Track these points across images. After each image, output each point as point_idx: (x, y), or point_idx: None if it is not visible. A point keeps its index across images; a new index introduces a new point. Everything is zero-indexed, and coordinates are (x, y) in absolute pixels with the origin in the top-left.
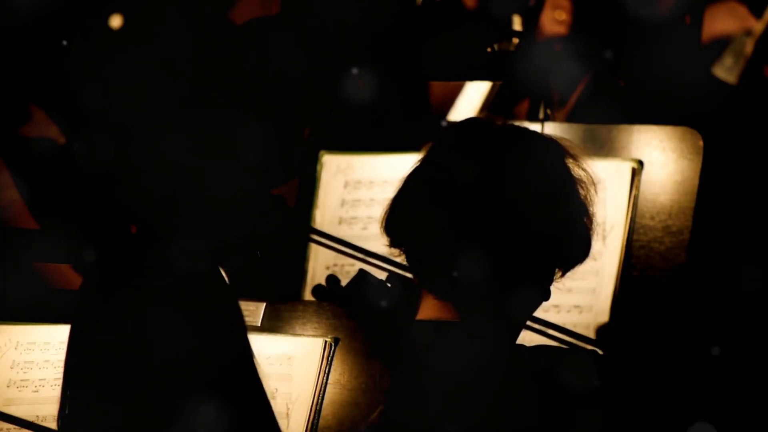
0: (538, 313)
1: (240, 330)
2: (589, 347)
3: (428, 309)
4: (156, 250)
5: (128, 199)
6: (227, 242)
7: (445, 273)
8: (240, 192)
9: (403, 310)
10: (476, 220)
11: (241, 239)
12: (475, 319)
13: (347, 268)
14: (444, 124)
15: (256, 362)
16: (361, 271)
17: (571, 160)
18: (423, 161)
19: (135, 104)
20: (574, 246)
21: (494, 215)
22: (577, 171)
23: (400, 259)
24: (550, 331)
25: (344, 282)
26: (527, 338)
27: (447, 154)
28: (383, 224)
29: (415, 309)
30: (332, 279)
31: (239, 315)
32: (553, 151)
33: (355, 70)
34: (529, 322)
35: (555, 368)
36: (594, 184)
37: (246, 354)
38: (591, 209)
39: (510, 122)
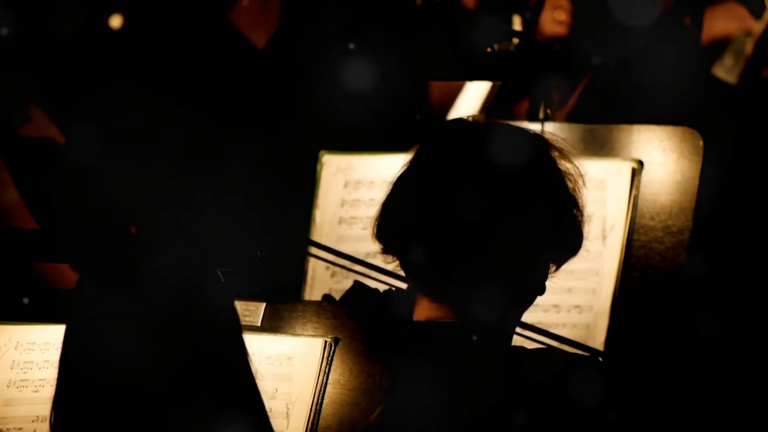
0: (538, 314)
1: (235, 330)
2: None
3: (425, 310)
4: (153, 251)
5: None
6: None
7: (440, 277)
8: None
9: (400, 312)
10: (467, 220)
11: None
12: (472, 318)
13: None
14: (430, 125)
15: (251, 363)
16: (356, 282)
17: (556, 153)
18: (410, 165)
19: None
20: (565, 238)
21: (484, 213)
22: (563, 164)
23: (394, 266)
24: (549, 341)
25: (342, 282)
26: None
27: (433, 156)
28: (374, 231)
29: (412, 311)
30: (328, 298)
31: (234, 315)
32: (537, 145)
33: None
34: (529, 332)
35: (554, 370)
36: (581, 176)
37: (241, 355)
38: (580, 201)
39: (494, 120)
